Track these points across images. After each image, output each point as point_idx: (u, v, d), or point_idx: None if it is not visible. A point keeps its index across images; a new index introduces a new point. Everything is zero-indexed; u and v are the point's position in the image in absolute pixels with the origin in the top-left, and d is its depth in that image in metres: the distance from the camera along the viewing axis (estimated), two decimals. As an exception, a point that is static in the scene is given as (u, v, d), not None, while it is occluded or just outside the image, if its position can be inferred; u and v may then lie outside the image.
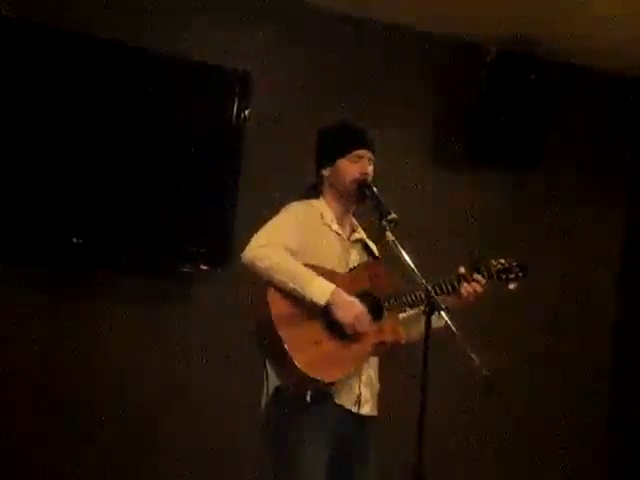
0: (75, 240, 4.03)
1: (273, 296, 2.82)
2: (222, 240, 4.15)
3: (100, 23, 4.14)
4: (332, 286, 2.82)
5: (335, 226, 3.03)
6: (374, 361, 3.03)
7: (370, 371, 2.99)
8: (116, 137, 4.12)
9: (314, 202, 3.06)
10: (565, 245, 5.18)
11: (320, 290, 2.80)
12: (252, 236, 2.92)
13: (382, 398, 3.04)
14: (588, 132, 5.27)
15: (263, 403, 2.93)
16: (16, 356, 4.07)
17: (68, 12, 4.10)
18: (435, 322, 2.73)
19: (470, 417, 4.84)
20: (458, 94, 4.98)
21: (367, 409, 2.95)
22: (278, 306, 2.81)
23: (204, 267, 4.24)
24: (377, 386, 3.04)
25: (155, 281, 4.27)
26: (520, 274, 3.03)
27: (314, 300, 2.80)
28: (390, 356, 3.00)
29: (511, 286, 3.03)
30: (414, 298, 2.90)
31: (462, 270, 2.98)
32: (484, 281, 2.98)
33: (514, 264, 3.04)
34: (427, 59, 4.92)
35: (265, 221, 2.96)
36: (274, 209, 3.02)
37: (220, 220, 4.25)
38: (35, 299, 4.10)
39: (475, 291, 2.96)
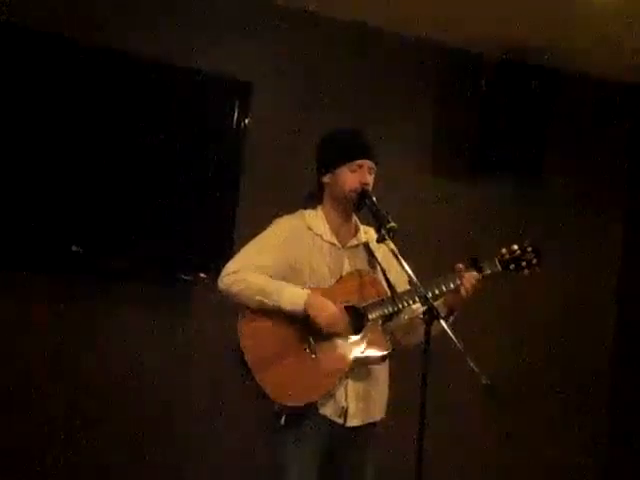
0: (75, 248, 4.04)
1: (247, 331, 2.84)
2: (221, 248, 4.14)
3: (102, 31, 4.14)
4: (306, 291, 2.84)
5: (328, 236, 2.98)
6: (380, 372, 2.98)
7: (362, 384, 2.92)
8: (116, 145, 4.13)
9: (307, 213, 3.03)
10: (565, 251, 5.17)
11: (295, 297, 2.83)
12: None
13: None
14: (588, 140, 5.27)
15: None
16: (16, 361, 4.07)
17: (71, 19, 4.11)
18: (434, 325, 2.68)
19: (470, 420, 4.85)
20: (458, 102, 4.99)
21: (356, 422, 2.91)
22: (255, 345, 2.82)
23: (203, 275, 4.24)
24: (377, 397, 2.98)
25: (155, 289, 4.27)
26: (534, 261, 2.94)
27: (292, 308, 2.81)
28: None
29: (525, 272, 2.94)
30: (401, 305, 2.87)
31: (460, 266, 2.90)
32: (480, 276, 2.89)
33: (529, 249, 2.94)
34: (427, 67, 4.93)
35: (263, 229, 2.99)
36: (273, 217, 3.03)
37: (219, 228, 4.26)
38: (35, 306, 4.11)
39: (472, 286, 2.87)
